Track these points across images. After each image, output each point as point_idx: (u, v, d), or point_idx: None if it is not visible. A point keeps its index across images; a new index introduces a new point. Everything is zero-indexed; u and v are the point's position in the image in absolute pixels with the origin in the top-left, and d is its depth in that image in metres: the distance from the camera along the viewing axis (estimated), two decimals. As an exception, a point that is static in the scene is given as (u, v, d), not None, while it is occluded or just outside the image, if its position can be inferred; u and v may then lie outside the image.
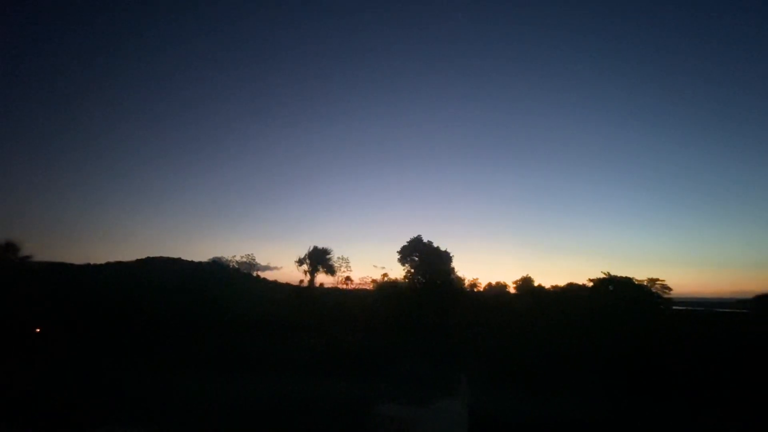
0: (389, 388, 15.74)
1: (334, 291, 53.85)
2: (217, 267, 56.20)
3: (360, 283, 56.86)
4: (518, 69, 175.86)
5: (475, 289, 64.50)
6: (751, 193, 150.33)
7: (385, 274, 56.29)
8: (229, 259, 60.32)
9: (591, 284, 48.00)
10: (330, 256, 54.16)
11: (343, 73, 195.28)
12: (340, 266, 54.23)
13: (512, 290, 62.70)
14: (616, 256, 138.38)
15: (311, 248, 54.38)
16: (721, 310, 52.57)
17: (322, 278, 54.79)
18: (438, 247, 50.67)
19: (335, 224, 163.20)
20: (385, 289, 51.54)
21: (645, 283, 43.66)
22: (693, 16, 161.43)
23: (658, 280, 43.52)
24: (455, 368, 18.19)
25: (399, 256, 52.08)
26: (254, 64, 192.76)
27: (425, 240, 51.25)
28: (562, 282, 59.61)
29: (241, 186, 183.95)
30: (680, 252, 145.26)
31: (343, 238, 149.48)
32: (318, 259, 53.26)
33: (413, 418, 12.49)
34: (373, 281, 56.75)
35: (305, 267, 53.43)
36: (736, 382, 16.19)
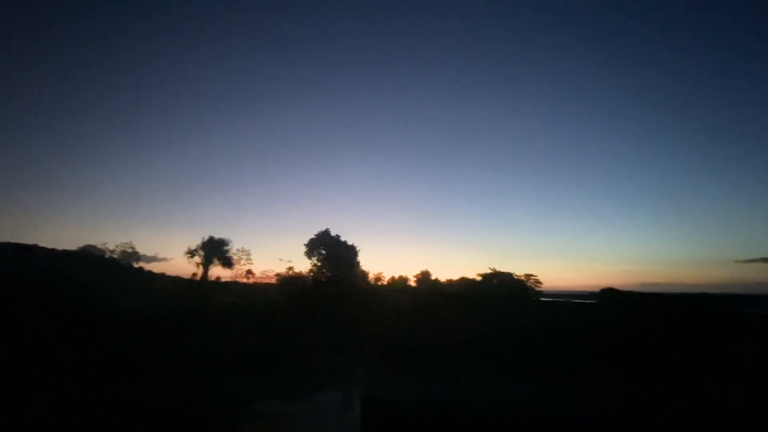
0: (281, 383, 15.47)
1: (233, 285, 50.64)
2: (87, 257, 48.41)
3: (262, 277, 54.40)
4: (423, 67, 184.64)
5: (379, 283, 66.83)
6: (611, 198, 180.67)
7: (290, 268, 54.71)
8: (104, 247, 52.50)
9: (480, 278, 53.60)
10: (228, 247, 50.71)
11: (245, 61, 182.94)
12: (240, 259, 51.14)
13: (413, 283, 66.47)
14: (503, 251, 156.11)
15: (206, 238, 50.27)
16: (577, 300, 63.19)
17: (219, 272, 51.09)
18: (345, 241, 51.12)
19: (237, 215, 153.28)
20: (290, 282, 50.25)
21: (522, 278, 50.31)
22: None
23: (532, 275, 50.50)
24: (353, 360, 18.64)
25: (306, 250, 51.27)
26: (151, 49, 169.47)
27: (333, 234, 51.28)
28: (456, 276, 65.00)
29: (125, 170, 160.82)
30: (552, 249, 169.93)
31: (246, 230, 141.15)
32: (214, 250, 49.45)
33: (291, 412, 12.51)
34: (277, 275, 54.80)
35: (197, 259, 49.17)
36: (586, 359, 19.57)
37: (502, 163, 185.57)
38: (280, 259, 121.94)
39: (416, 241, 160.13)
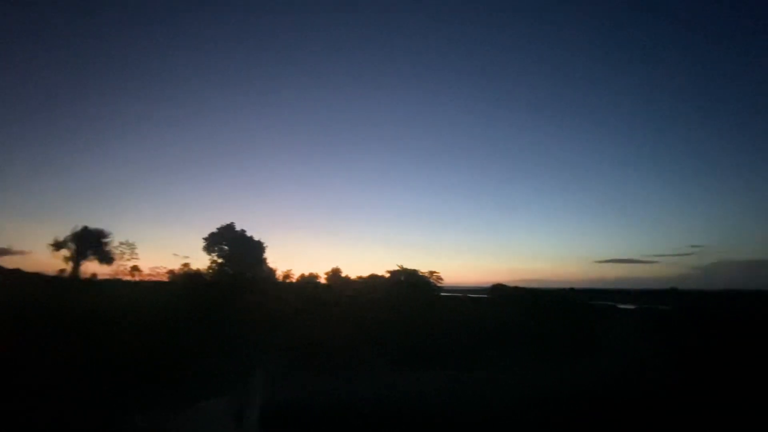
0: (165, 391, 13.84)
1: (114, 283, 44.06)
2: None
3: (151, 274, 48.39)
4: (341, 64, 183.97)
5: (288, 280, 64.63)
6: (504, 199, 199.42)
7: (186, 264, 49.62)
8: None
9: (388, 275, 55.47)
10: (107, 240, 43.93)
11: (147, 47, 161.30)
12: (123, 253, 44.64)
13: (323, 281, 65.80)
14: (411, 249, 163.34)
15: (77, 228, 42.84)
16: (472, 295, 69.43)
17: (96, 268, 43.99)
18: (251, 237, 48.35)
19: (121, 204, 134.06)
20: (184, 280, 45.60)
21: (426, 275, 53.47)
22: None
23: (435, 272, 54.00)
24: (253, 362, 17.56)
25: (205, 244, 47.16)
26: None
27: (238, 228, 48.06)
28: (366, 273, 66.14)
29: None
30: (454, 247, 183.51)
31: (133, 221, 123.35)
32: (88, 242, 42.41)
33: (173, 422, 11.34)
34: (170, 272, 49.33)
35: (66, 252, 41.67)
36: (480, 350, 21.38)
37: (408, 162, 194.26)
38: (175, 255, 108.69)
39: (329, 239, 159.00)
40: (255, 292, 40.14)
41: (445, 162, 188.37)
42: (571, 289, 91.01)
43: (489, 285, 63.96)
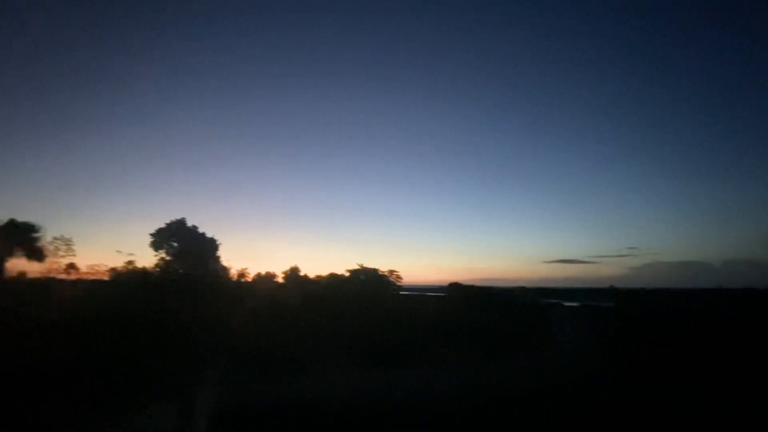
0: (103, 399, 12.78)
1: (45, 282, 40.03)
2: None
3: (90, 273, 44.50)
4: (297, 60, 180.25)
5: (243, 279, 62.23)
6: (461, 200, 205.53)
7: (130, 262, 46.16)
8: None
9: (348, 274, 55.13)
10: (38, 234, 39.78)
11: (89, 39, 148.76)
12: (57, 249, 40.60)
13: (281, 280, 64.03)
14: (372, 247, 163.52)
15: (2, 221, 38.48)
16: (430, 294, 70.91)
17: (25, 265, 39.72)
18: (204, 233, 45.95)
19: (56, 196, 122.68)
20: (128, 278, 42.45)
21: (386, 273, 53.79)
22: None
23: (395, 271, 54.44)
24: (203, 365, 16.69)
25: (153, 241, 44.16)
26: None
27: (190, 224, 45.48)
28: (326, 272, 65.18)
29: None
30: (413, 246, 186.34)
31: (70, 215, 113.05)
32: (16, 237, 38.23)
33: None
34: (112, 270, 45.68)
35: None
36: (435, 345, 21.76)
37: (368, 162, 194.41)
38: (118, 252, 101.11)
39: (288, 237, 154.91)
40: (207, 291, 38.26)
41: (405, 163, 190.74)
42: (522, 288, 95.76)
43: (446, 284, 65.62)
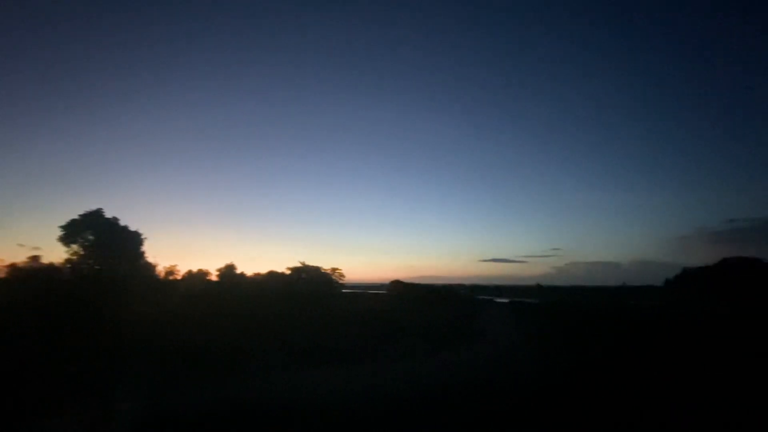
0: (7, 408, 11.04)
1: None
2: None
3: (-20, 269, 38.26)
4: (238, 59, 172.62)
5: (172, 277, 57.54)
6: (403, 198, 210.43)
7: (34, 257, 40.45)
8: None
9: (289, 272, 53.58)
10: None
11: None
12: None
13: (215, 278, 60.24)
14: (314, 245, 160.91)
15: None
16: (372, 291, 71.57)
17: None
18: (126, 226, 41.66)
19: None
20: (32, 276, 37.15)
21: (329, 272, 53.18)
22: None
23: (337, 269, 53.98)
24: (128, 370, 15.12)
25: (63, 234, 39.06)
26: None
27: (109, 215, 40.94)
28: (265, 270, 62.67)
29: None
30: (356, 244, 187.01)
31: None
32: None
33: None
34: (11, 266, 39.74)
35: None
36: (378, 343, 21.88)
37: (311, 160, 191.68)
38: (21, 245, 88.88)
39: (226, 234, 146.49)
40: (128, 289, 34.73)
41: (347, 164, 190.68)
42: (459, 285, 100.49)
43: (388, 281, 66.61)
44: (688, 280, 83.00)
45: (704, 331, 27.17)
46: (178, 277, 58.02)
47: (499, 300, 70.95)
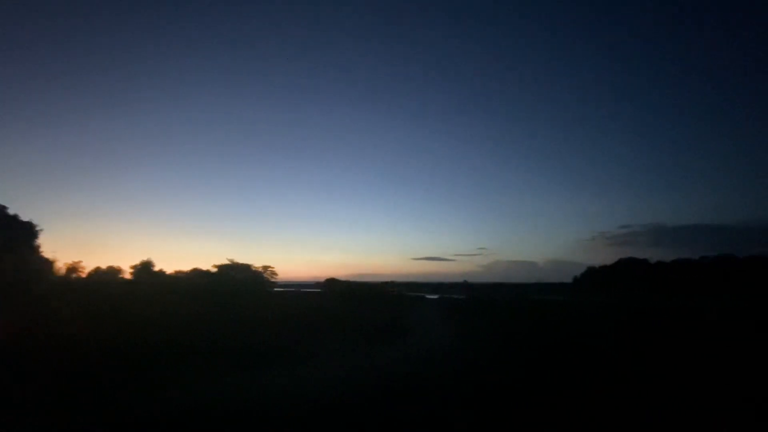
0: None
1: None
2: None
3: None
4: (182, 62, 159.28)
5: (75, 275, 50.75)
6: (341, 197, 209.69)
7: None
8: None
9: (216, 269, 50.13)
10: None
11: None
12: None
13: (128, 275, 54.36)
14: (245, 242, 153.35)
15: None
16: (306, 290, 69.96)
17: None
18: (16, 216, 35.80)
19: None
20: None
21: (260, 269, 50.76)
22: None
23: (269, 266, 51.76)
24: (11, 385, 12.75)
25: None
26: None
27: (-6, 203, 34.83)
28: (188, 267, 58.11)
29: None
30: (291, 241, 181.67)
31: None
32: None
33: None
34: None
35: None
36: (310, 343, 21.23)
37: (243, 153, 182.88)
38: None
39: (142, 229, 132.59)
40: (18, 289, 29.73)
41: (281, 161, 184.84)
42: (392, 282, 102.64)
43: (323, 279, 65.61)
44: (592, 277, 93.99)
45: (603, 322, 30.79)
46: (82, 275, 51.38)
47: (429, 297, 73.66)
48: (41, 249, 38.35)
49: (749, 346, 18.93)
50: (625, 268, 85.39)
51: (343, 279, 79.41)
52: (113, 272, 55.96)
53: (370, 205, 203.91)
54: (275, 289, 54.35)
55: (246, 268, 49.36)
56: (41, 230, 37.61)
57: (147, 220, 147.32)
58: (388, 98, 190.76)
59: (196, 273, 53.89)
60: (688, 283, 67.93)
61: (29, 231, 36.40)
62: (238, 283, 45.96)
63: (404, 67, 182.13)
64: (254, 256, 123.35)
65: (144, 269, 52.18)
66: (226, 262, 48.90)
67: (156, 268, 53.79)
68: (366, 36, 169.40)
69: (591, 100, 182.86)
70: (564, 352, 18.21)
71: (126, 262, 67.07)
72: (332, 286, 71.06)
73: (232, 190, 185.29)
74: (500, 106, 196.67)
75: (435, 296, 74.85)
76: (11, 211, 35.86)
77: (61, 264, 45.82)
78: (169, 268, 57.17)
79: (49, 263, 41.04)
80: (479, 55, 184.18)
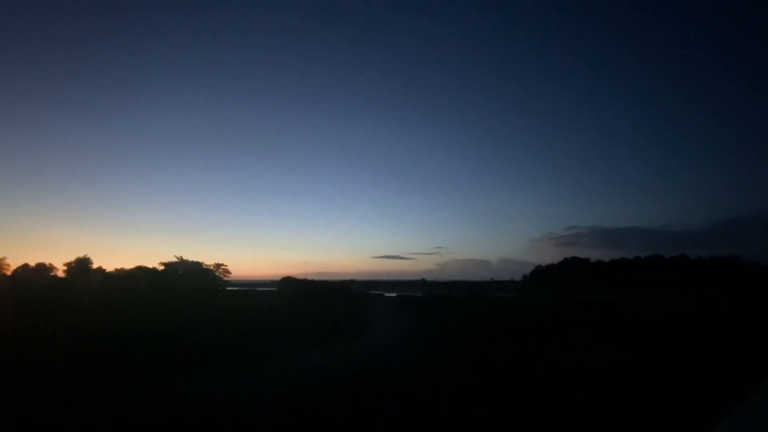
0: None
1: None
2: None
3: None
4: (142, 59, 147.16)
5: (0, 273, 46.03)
6: (299, 195, 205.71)
7: None
8: None
9: (163, 267, 47.57)
10: None
11: None
12: None
13: (61, 273, 50.08)
14: (194, 239, 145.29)
15: None
16: (261, 288, 68.09)
17: None
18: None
19: None
20: None
21: (212, 267, 48.80)
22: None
23: (222, 264, 49.93)
24: None
25: None
26: None
27: None
28: (131, 264, 54.61)
29: None
30: (244, 238, 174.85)
31: None
32: None
33: None
34: None
35: None
36: (265, 341, 20.85)
37: (195, 147, 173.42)
38: None
39: (84, 225, 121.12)
40: None
41: (237, 157, 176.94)
42: (352, 281, 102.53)
43: (279, 278, 64.19)
44: (540, 275, 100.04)
45: (550, 315, 33.07)
46: (7, 272, 46.73)
47: (388, 294, 74.62)
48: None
49: (674, 335, 21.51)
50: (569, 266, 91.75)
51: (300, 278, 78.31)
52: (43, 270, 51.30)
53: (330, 204, 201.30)
54: (228, 288, 52.54)
55: (196, 265, 47.35)
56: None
57: (87, 216, 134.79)
58: (346, 99, 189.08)
59: (141, 271, 50.84)
60: (623, 280, 74.29)
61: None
62: (186, 282, 43.93)
63: (360, 68, 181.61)
64: (207, 255, 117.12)
65: (79, 267, 48.35)
66: (174, 259, 46.63)
67: (94, 266, 50.06)
68: (320, 34, 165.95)
69: (543, 111, 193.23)
70: (512, 353, 19.31)
71: (61, 260, 61.50)
72: (289, 285, 69.78)
73: (185, 186, 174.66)
74: (458, 111, 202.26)
75: (393, 294, 75.88)
76: None
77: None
78: (110, 266, 53.42)
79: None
80: (435, 58, 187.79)
